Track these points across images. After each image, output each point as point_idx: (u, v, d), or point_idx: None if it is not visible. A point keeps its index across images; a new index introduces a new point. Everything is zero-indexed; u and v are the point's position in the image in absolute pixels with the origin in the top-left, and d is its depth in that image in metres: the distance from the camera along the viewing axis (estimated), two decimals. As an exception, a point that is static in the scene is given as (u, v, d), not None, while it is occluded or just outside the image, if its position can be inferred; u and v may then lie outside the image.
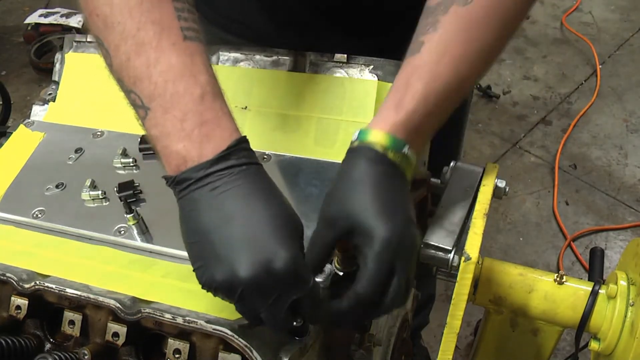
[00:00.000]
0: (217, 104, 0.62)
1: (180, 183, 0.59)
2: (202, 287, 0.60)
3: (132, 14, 0.61)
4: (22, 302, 0.69)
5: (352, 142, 0.68)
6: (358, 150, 0.66)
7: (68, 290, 0.67)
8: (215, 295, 0.60)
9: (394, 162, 0.65)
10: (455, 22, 0.68)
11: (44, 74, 3.06)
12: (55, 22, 3.23)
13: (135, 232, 0.79)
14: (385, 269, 0.60)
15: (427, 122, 0.68)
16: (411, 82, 0.68)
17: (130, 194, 0.82)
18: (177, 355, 0.65)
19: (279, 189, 0.63)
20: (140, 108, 0.61)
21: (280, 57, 0.93)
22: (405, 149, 0.66)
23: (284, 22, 1.00)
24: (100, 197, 0.83)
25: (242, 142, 0.61)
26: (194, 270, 0.60)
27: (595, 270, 0.95)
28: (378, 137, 0.65)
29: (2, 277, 0.69)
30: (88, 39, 1.00)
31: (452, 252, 0.74)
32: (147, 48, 0.60)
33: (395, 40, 0.79)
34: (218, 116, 0.61)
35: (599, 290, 0.83)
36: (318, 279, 0.71)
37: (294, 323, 0.65)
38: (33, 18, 3.29)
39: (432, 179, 0.90)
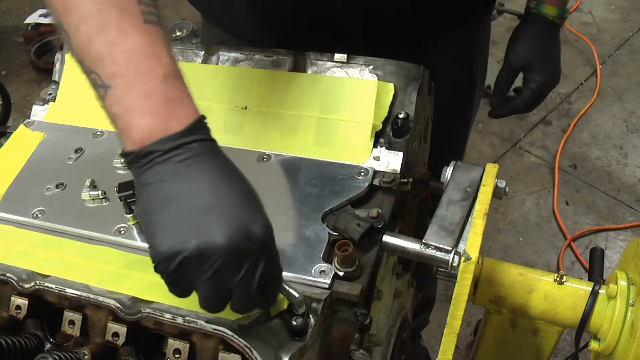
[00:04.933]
0: (180, 84, 0.62)
1: (144, 156, 0.58)
2: (160, 260, 0.56)
3: None
4: (22, 302, 0.69)
5: (529, 7, 1.12)
6: (536, 16, 1.12)
7: (68, 290, 0.67)
8: (173, 272, 0.56)
9: (558, 26, 1.13)
10: None
11: (44, 74, 3.06)
12: (55, 22, 3.23)
13: (135, 232, 0.79)
14: (537, 95, 1.16)
15: None
16: None
17: (130, 194, 0.81)
18: (177, 355, 0.65)
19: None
20: (100, 87, 0.61)
21: (280, 57, 0.93)
22: (566, 15, 1.11)
23: (282, 37, 1.00)
24: (100, 197, 0.83)
25: (203, 119, 0.62)
26: (151, 243, 0.57)
27: (595, 270, 0.95)
28: (550, 10, 1.10)
29: (2, 277, 0.69)
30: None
31: (452, 252, 0.74)
32: (109, 29, 0.60)
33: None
34: (181, 95, 0.62)
35: (599, 290, 0.83)
36: (322, 279, 0.72)
37: (294, 323, 0.65)
38: (33, 18, 3.29)
39: (432, 179, 0.90)
